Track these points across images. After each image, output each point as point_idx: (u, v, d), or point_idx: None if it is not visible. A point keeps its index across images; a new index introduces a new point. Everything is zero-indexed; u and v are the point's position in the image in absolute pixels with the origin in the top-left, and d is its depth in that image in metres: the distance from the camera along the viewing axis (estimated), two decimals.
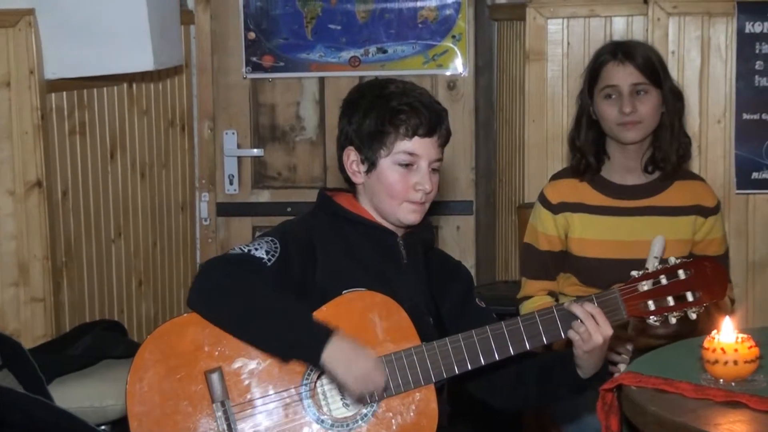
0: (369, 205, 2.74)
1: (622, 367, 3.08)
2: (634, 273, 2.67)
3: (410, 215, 2.68)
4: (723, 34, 4.06)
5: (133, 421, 2.56)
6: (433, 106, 2.68)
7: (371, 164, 2.68)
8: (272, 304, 2.54)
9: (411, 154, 2.64)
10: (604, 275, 3.24)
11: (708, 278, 2.63)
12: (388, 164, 2.66)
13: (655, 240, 3.10)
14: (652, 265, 2.87)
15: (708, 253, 3.38)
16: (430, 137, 2.64)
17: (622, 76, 3.34)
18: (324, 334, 2.50)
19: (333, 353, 2.48)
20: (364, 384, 2.50)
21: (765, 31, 4.02)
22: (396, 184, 2.65)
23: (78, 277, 3.98)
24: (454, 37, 4.77)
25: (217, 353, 2.58)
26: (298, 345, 2.51)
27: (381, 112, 2.65)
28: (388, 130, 2.64)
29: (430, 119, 2.64)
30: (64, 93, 3.87)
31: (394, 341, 2.59)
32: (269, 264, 2.58)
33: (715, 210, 3.43)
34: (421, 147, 2.64)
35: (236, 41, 4.86)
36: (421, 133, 2.63)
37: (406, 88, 2.71)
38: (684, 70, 4.07)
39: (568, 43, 4.21)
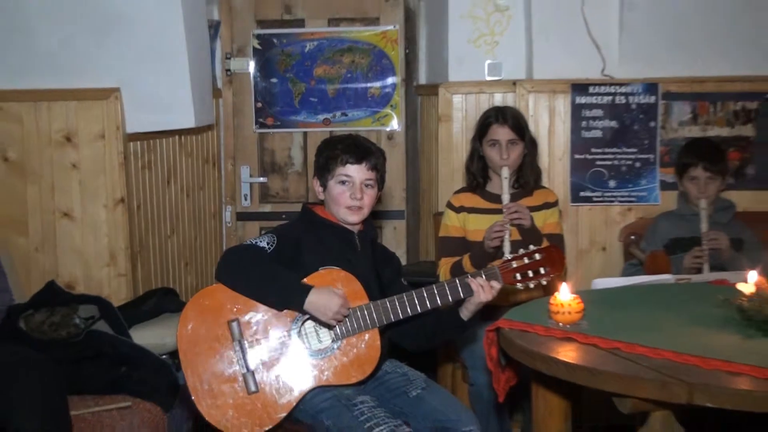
0: (331, 213, 2.76)
1: (506, 234, 3.14)
2: (507, 256, 2.70)
3: (349, 216, 2.71)
4: (562, 104, 4.09)
5: (181, 353, 2.57)
6: (364, 145, 2.72)
7: (324, 186, 2.73)
8: (271, 273, 2.54)
9: (346, 175, 2.69)
10: (488, 253, 3.26)
11: (553, 259, 2.66)
12: (333, 183, 2.71)
13: (503, 170, 3.27)
14: (507, 184, 3.17)
15: (549, 230, 3.41)
16: (359, 164, 2.68)
17: (502, 134, 3.39)
18: (304, 291, 2.52)
19: (311, 302, 2.51)
20: (334, 315, 2.53)
21: (587, 102, 4.06)
22: (338, 196, 2.70)
23: (147, 260, 3.94)
24: (392, 106, 4.78)
25: (235, 309, 2.59)
26: (288, 300, 2.54)
27: (328, 153, 2.72)
28: (331, 163, 2.70)
29: (357, 153, 2.68)
30: (138, 142, 3.84)
31: (351, 301, 2.60)
32: (269, 251, 2.60)
33: (554, 204, 3.49)
34: (352, 171, 2.69)
35: (249, 108, 4.83)
36: (351, 161, 2.68)
37: (349, 137, 2.76)
38: (539, 127, 4.09)
39: (466, 110, 4.22)
